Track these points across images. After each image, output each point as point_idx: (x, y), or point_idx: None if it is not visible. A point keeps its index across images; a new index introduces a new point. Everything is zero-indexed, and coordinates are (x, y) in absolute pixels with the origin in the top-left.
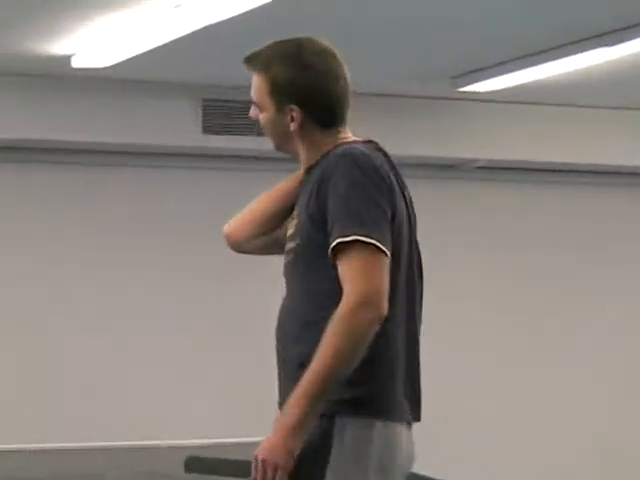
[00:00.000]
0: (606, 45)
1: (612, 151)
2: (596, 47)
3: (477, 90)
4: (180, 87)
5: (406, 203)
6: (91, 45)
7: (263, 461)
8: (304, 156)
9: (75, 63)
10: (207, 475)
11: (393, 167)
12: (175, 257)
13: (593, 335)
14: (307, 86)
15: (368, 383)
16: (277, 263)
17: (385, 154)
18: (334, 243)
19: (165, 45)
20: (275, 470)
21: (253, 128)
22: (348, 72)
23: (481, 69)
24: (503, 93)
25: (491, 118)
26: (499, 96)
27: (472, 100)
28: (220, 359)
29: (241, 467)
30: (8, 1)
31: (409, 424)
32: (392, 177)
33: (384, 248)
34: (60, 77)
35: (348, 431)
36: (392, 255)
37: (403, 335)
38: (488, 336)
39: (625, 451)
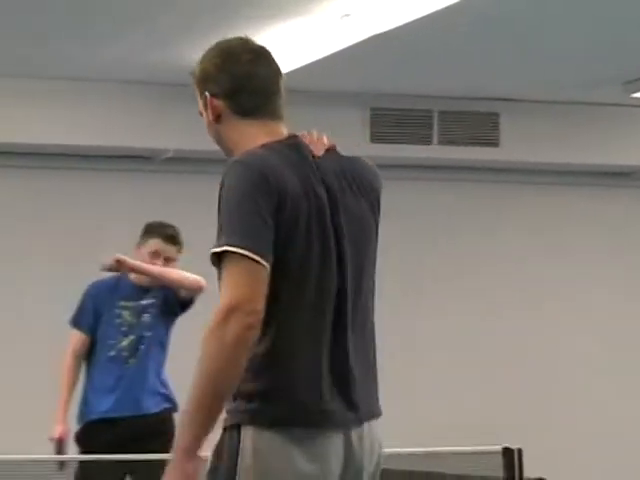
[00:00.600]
0: None
1: None
2: None
3: None
4: (348, 96)
5: (332, 196)
6: None
7: None
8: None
9: None
10: None
11: (312, 165)
12: None
13: None
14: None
15: (263, 392)
16: None
17: (304, 150)
18: (210, 255)
19: (333, 54)
20: None
21: (422, 137)
22: (270, 70)
23: None
24: None
25: None
26: None
27: None
28: None
29: None
30: (173, 16)
31: (344, 428)
32: (293, 178)
33: (253, 256)
34: None
35: (248, 442)
36: (284, 258)
37: (316, 339)
38: None
39: None
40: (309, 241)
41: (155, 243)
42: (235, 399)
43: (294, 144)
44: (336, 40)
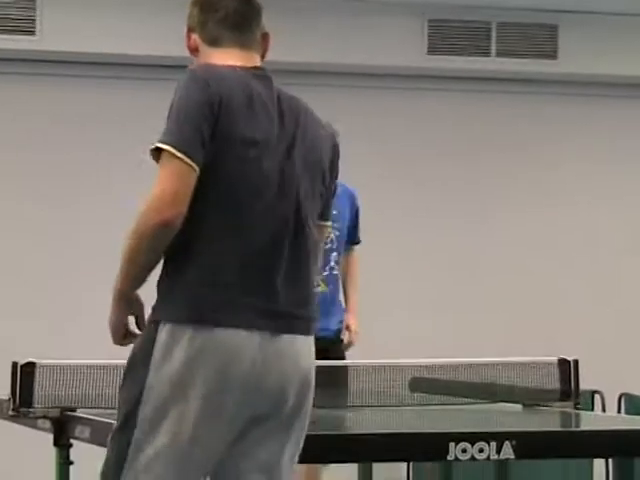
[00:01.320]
0: None
1: None
2: None
3: None
4: (406, 6)
5: (276, 123)
6: None
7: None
8: None
9: None
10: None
11: (266, 92)
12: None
13: None
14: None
15: (182, 290)
16: None
17: (267, 80)
18: (149, 151)
19: None
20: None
21: (480, 49)
22: (242, 5)
23: None
24: None
25: None
26: None
27: None
28: None
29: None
30: None
31: (265, 331)
32: (240, 98)
33: (184, 157)
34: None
35: (162, 336)
36: (216, 165)
37: (242, 243)
38: None
39: None
40: (244, 156)
41: None
42: (157, 297)
43: (261, 74)
44: None
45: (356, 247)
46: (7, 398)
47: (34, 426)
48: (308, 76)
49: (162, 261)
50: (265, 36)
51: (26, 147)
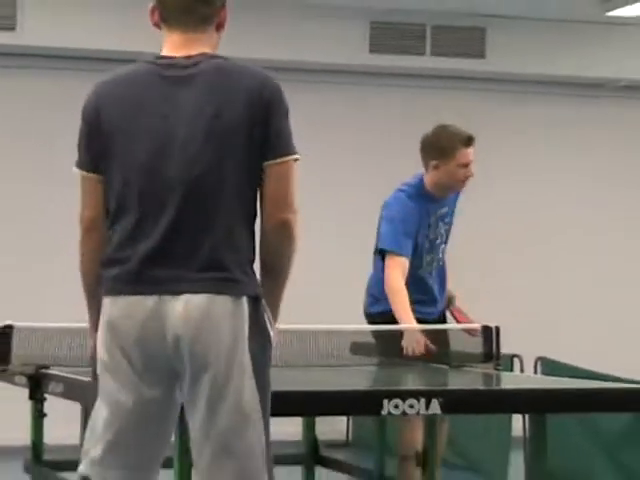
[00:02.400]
0: None
1: None
2: None
3: (625, 15)
4: (350, 10)
5: (167, 111)
6: None
7: None
8: None
9: None
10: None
11: (161, 84)
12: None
13: None
14: None
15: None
16: None
17: (161, 71)
18: None
19: None
20: None
21: (416, 49)
22: None
23: None
24: None
25: (637, 41)
26: None
27: (621, 24)
28: None
29: None
30: None
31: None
32: (121, 100)
33: (78, 169)
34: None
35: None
36: (109, 162)
37: (125, 224)
38: None
39: None
40: (132, 146)
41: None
42: None
43: (158, 59)
44: None
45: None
46: None
47: (11, 382)
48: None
49: None
50: (220, 12)
51: (10, 131)
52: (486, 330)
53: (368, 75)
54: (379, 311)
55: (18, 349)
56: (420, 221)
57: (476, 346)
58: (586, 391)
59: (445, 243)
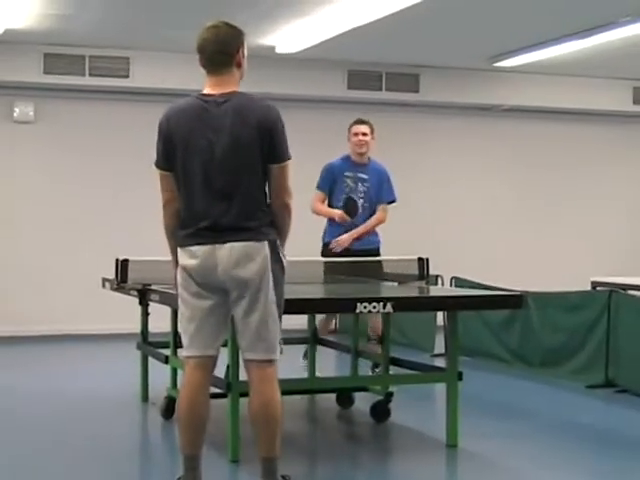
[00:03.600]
0: (579, 38)
1: (587, 100)
2: (571, 40)
3: (505, 65)
4: (333, 62)
5: (206, 127)
6: (286, 38)
7: None
8: None
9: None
10: None
11: (203, 108)
12: None
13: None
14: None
15: (178, 231)
16: None
17: (204, 99)
18: None
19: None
20: None
21: (375, 86)
22: (215, 38)
23: (509, 51)
24: (520, 67)
25: (513, 81)
26: (517, 69)
27: (502, 71)
28: None
29: None
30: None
31: (200, 245)
32: (179, 119)
33: (157, 168)
34: (267, 58)
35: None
36: (178, 162)
37: (188, 205)
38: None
39: None
40: (190, 152)
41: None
42: None
43: (203, 96)
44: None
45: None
46: (112, 278)
47: (128, 294)
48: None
49: None
50: (239, 53)
51: (125, 148)
52: (420, 260)
53: (345, 104)
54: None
55: (132, 273)
56: (336, 175)
57: (414, 270)
58: (481, 297)
59: (367, 201)
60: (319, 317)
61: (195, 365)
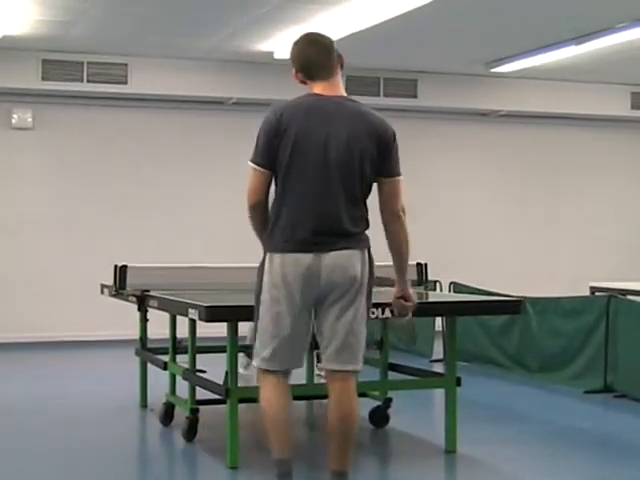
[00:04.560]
0: (574, 44)
1: (584, 105)
2: (568, 45)
3: (502, 71)
4: None
5: (321, 126)
6: (284, 43)
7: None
8: None
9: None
10: None
11: (319, 107)
12: None
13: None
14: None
15: (270, 235)
16: None
17: (320, 98)
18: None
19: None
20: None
21: (373, 92)
22: (318, 51)
23: (506, 57)
24: (516, 73)
25: (511, 86)
26: (514, 74)
27: (500, 77)
28: None
29: None
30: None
31: (302, 252)
32: (293, 115)
33: (254, 165)
34: (266, 64)
35: (265, 259)
36: (284, 160)
37: (292, 206)
38: None
39: None
40: (302, 150)
41: None
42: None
43: (316, 95)
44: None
45: None
46: (111, 284)
47: (126, 300)
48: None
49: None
50: (339, 57)
51: (124, 150)
52: (419, 265)
53: None
54: None
55: (130, 279)
56: None
57: (413, 275)
58: (479, 302)
59: None
60: None
61: (277, 376)
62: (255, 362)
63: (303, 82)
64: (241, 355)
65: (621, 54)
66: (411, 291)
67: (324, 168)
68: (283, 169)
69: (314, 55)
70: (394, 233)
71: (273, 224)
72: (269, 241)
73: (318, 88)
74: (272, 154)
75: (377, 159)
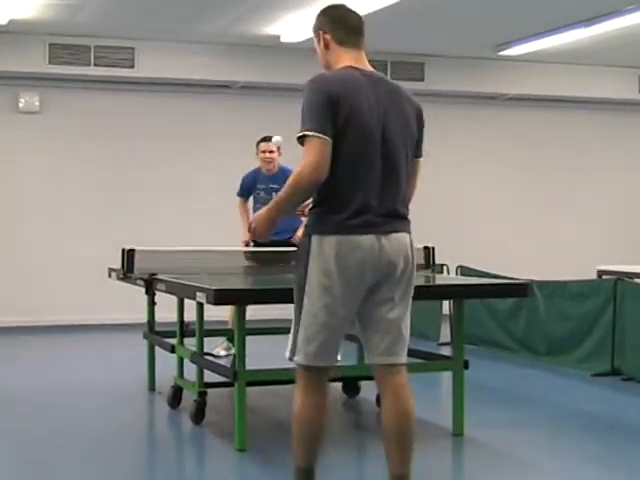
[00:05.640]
0: (583, 26)
1: (592, 88)
2: (577, 28)
3: (510, 54)
4: None
5: (372, 100)
6: (290, 27)
7: (255, 227)
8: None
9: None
10: None
11: (366, 81)
12: None
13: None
14: (326, 20)
15: (319, 216)
16: None
17: (362, 73)
18: (297, 138)
19: None
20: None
21: None
22: (357, 17)
23: (514, 40)
24: (524, 56)
25: (518, 69)
26: (522, 57)
27: (507, 60)
28: None
29: None
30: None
31: (362, 234)
32: (346, 88)
33: (319, 135)
34: (272, 47)
35: (312, 243)
36: (340, 134)
37: (350, 184)
38: None
39: None
40: (359, 123)
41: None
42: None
43: (356, 69)
44: None
45: None
46: (118, 268)
47: (134, 283)
48: (281, 93)
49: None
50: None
51: (131, 133)
52: (426, 249)
53: None
54: None
55: (138, 263)
56: (250, 186)
57: (421, 259)
58: (487, 285)
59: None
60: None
61: (319, 374)
62: (298, 358)
63: (327, 47)
64: (224, 340)
65: (630, 37)
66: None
67: (382, 146)
68: (339, 144)
69: (354, 19)
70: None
71: (324, 204)
72: (319, 223)
73: (349, 57)
74: (331, 124)
75: (418, 140)
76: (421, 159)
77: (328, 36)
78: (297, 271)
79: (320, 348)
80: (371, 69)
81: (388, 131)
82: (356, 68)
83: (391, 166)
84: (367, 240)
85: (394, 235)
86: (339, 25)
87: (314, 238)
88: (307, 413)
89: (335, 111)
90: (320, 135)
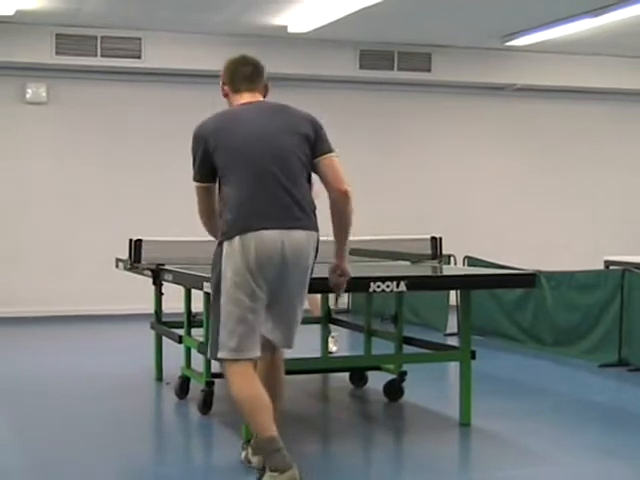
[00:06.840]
0: (592, 16)
1: (600, 78)
2: (584, 18)
3: (517, 44)
4: (346, 42)
5: (256, 121)
6: (297, 17)
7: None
8: None
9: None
10: None
11: (251, 108)
12: None
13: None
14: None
15: (224, 225)
16: None
17: (250, 103)
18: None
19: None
20: None
21: (389, 66)
22: (248, 68)
23: (521, 30)
24: (532, 46)
25: (526, 60)
26: (529, 48)
27: (514, 50)
28: None
29: None
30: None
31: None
32: (217, 122)
33: (196, 183)
34: (279, 37)
35: (223, 247)
36: (218, 159)
37: (243, 195)
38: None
39: None
40: (231, 146)
41: None
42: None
43: (243, 104)
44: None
45: None
46: (126, 258)
47: (141, 274)
48: (287, 83)
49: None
50: (266, 86)
51: (137, 124)
52: (433, 239)
53: (356, 83)
54: None
55: (145, 253)
56: None
57: (427, 249)
58: (494, 276)
59: None
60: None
61: (246, 364)
62: (222, 354)
63: (227, 96)
64: None
65: (638, 27)
66: (347, 266)
67: (268, 155)
68: (221, 164)
69: (247, 70)
70: (337, 208)
71: (226, 215)
72: (226, 231)
73: (243, 99)
74: (208, 165)
75: (316, 140)
76: (332, 154)
77: (226, 87)
78: (212, 277)
79: (240, 342)
80: (262, 99)
81: (274, 139)
82: (246, 103)
83: (282, 168)
84: (269, 236)
85: (299, 231)
86: (234, 77)
87: (225, 243)
88: (248, 393)
89: (206, 146)
90: (197, 184)
